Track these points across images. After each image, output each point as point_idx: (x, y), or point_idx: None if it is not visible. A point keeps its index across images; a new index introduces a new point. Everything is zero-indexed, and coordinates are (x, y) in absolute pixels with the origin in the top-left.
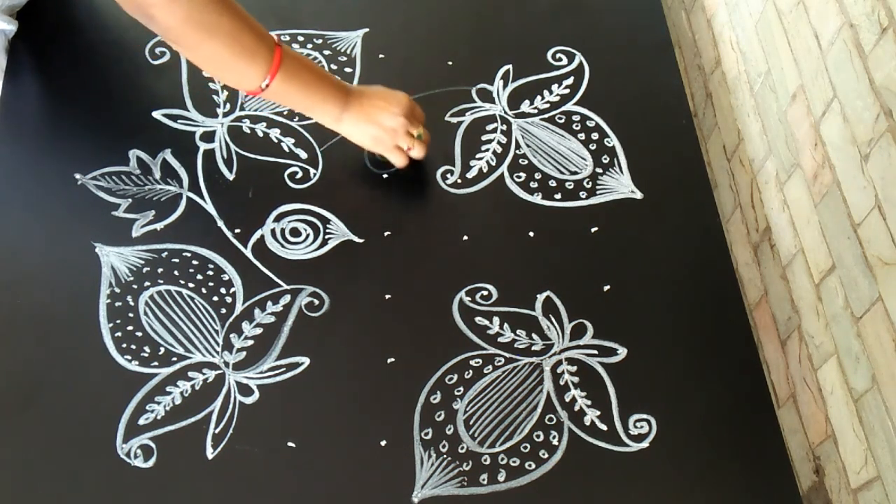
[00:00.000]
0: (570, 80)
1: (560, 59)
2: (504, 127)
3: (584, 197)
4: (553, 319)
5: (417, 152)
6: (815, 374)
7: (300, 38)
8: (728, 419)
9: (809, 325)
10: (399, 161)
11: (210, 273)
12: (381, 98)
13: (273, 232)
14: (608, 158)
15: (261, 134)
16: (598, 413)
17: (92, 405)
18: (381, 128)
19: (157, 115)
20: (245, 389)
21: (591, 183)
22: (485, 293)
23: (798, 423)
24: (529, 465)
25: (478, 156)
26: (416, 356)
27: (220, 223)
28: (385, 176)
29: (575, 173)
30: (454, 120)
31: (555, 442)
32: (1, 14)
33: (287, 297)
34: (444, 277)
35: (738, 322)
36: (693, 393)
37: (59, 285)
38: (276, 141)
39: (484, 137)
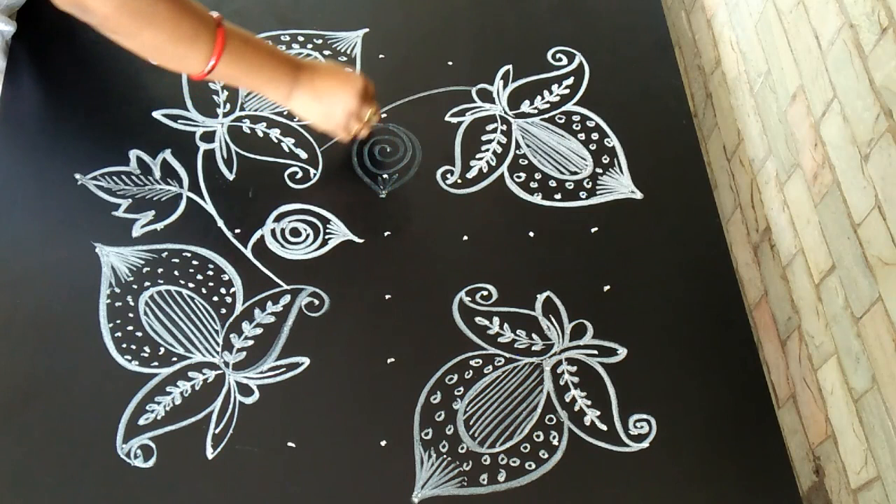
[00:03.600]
0: (570, 80)
1: (560, 59)
2: (504, 127)
3: (584, 197)
4: (553, 319)
5: (363, 133)
6: (815, 374)
7: (300, 38)
8: (728, 419)
9: (809, 325)
10: (344, 138)
11: (210, 273)
12: (334, 76)
13: (273, 232)
14: (608, 158)
15: (261, 134)
16: (598, 413)
17: (92, 405)
18: (332, 106)
19: (157, 115)
20: (245, 389)
21: (591, 183)
22: (485, 293)
23: (798, 423)
24: (529, 466)
25: (478, 156)
26: (416, 356)
27: (220, 223)
28: (385, 176)
29: (575, 173)
30: (454, 120)
31: (555, 442)
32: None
33: (287, 297)
34: (444, 277)
35: (738, 322)
36: (693, 393)
37: (59, 285)
38: (276, 141)
39: (484, 137)
